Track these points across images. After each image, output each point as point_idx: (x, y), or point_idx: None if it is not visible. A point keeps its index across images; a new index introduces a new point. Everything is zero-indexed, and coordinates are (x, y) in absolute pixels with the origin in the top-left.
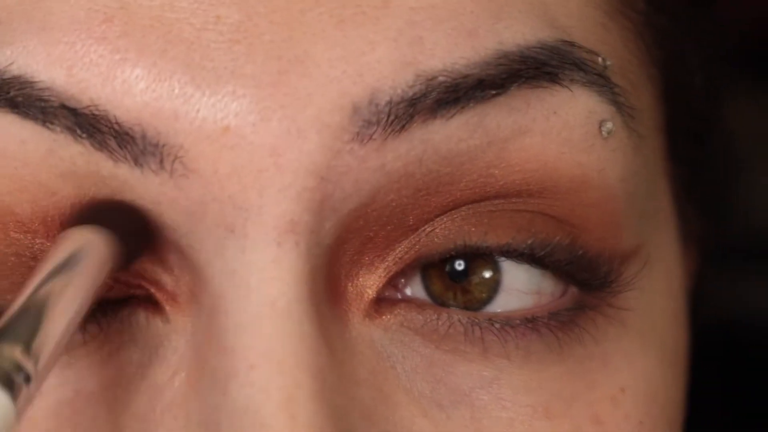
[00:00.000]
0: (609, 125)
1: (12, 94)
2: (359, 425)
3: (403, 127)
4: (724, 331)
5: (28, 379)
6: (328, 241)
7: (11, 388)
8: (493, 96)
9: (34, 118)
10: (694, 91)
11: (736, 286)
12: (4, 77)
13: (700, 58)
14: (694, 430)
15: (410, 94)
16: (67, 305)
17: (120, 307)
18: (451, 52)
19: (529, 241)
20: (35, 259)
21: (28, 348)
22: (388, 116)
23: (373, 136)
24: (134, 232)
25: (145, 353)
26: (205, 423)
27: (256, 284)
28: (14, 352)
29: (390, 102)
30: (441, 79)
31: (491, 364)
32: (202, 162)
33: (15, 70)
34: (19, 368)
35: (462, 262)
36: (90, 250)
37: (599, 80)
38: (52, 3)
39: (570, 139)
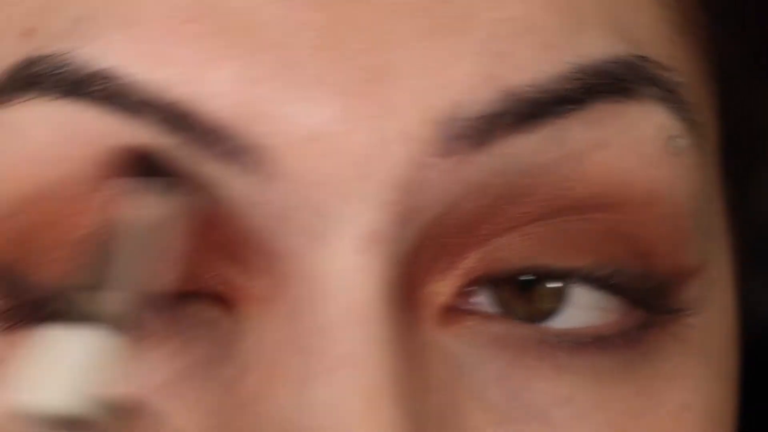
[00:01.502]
0: (679, 141)
1: (98, 88)
2: (433, 431)
3: (484, 141)
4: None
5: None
6: (406, 249)
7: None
8: (572, 111)
9: (120, 113)
10: (749, 110)
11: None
12: (89, 71)
13: (759, 78)
14: None
15: (492, 109)
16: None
17: (188, 303)
18: (532, 66)
19: (602, 266)
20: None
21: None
22: (471, 130)
23: (456, 150)
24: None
25: (215, 350)
26: (279, 422)
27: (336, 290)
28: (117, 300)
29: (473, 116)
30: (523, 94)
31: (565, 382)
32: (289, 167)
33: (98, 64)
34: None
35: (529, 276)
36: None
37: (671, 96)
38: (140, 1)
39: (642, 153)
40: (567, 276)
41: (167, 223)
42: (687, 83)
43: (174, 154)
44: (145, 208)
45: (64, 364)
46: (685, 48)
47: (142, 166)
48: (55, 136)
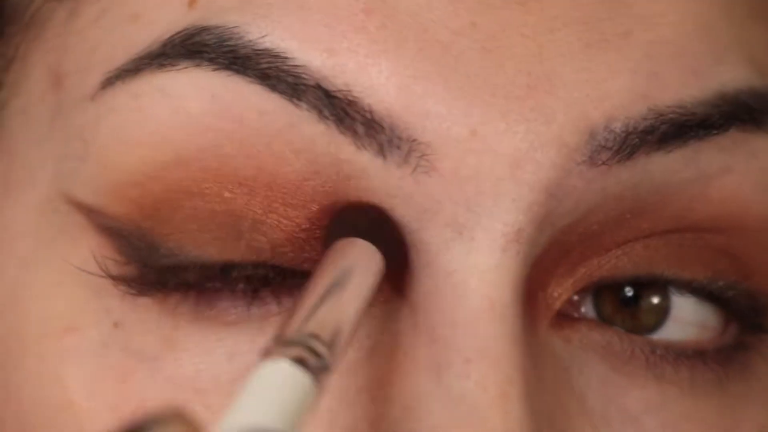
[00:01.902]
0: None
1: (263, 66)
2: (546, 429)
3: (630, 155)
4: None
5: (325, 368)
6: (538, 252)
7: (318, 373)
8: (713, 135)
9: (281, 92)
10: None
11: None
12: (256, 48)
13: None
14: None
15: (642, 125)
16: (352, 309)
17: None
18: (681, 89)
19: (715, 280)
20: (242, 218)
21: (328, 339)
22: (621, 145)
23: (603, 161)
24: (392, 250)
25: None
26: (410, 407)
27: (476, 285)
28: (322, 338)
29: (624, 131)
30: (671, 115)
31: (662, 391)
32: (446, 162)
33: (268, 43)
34: (318, 355)
35: (632, 289)
36: (369, 265)
37: None
38: None
39: (764, 182)
40: (676, 284)
41: (374, 281)
42: None
43: (330, 139)
44: (362, 262)
45: (282, 397)
46: None
47: (371, 224)
48: (209, 106)
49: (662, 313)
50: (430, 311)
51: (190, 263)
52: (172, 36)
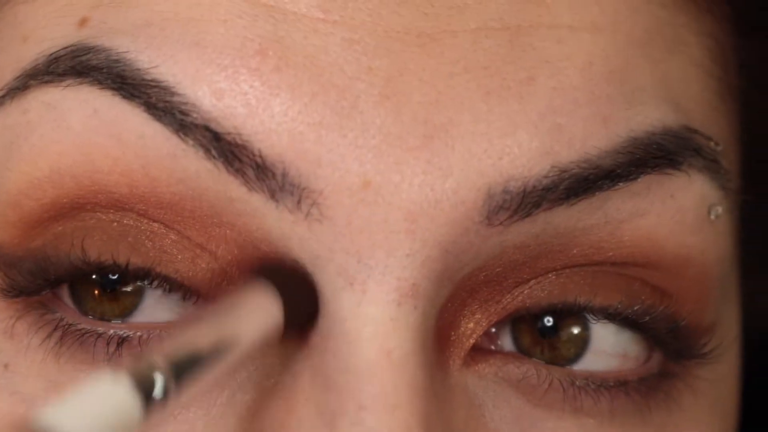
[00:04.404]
0: (718, 209)
1: (153, 98)
2: None
3: (530, 213)
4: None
5: (165, 393)
6: (441, 302)
7: (146, 396)
8: (620, 185)
9: (166, 124)
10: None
11: None
12: (145, 77)
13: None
14: None
15: (543, 183)
16: (225, 351)
17: None
18: (586, 141)
19: (631, 305)
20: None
21: (174, 369)
22: (519, 204)
23: (502, 221)
24: (294, 289)
25: (234, 373)
26: None
27: (370, 335)
28: (158, 364)
29: (523, 192)
30: (575, 170)
31: (580, 423)
32: (338, 211)
33: (158, 74)
34: (156, 380)
35: (551, 319)
36: (266, 313)
37: (713, 165)
38: (209, 23)
39: (681, 221)
40: (592, 311)
41: (265, 333)
42: (725, 150)
43: (217, 178)
44: (259, 312)
45: (96, 404)
46: (726, 115)
47: (278, 274)
48: (89, 121)
49: (582, 343)
50: (325, 356)
51: (72, 263)
52: (59, 51)
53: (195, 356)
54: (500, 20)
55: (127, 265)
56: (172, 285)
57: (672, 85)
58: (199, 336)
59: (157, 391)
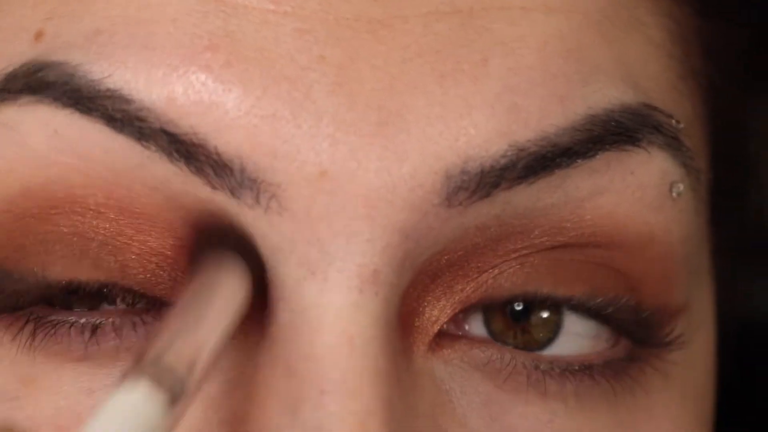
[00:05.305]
0: (679, 187)
1: (109, 109)
2: None
3: (489, 193)
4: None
5: (182, 393)
6: (405, 286)
7: (172, 399)
8: (578, 162)
9: (127, 135)
10: (734, 154)
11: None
12: (99, 89)
13: (756, 127)
14: None
15: (501, 163)
16: (218, 330)
17: None
18: (543, 119)
19: (593, 297)
20: (91, 239)
21: (187, 365)
22: (478, 184)
23: (460, 202)
24: (255, 282)
25: None
26: None
27: (331, 321)
28: (179, 363)
29: (481, 172)
30: (532, 149)
31: (548, 407)
32: (297, 202)
33: (111, 84)
34: (179, 380)
35: (521, 303)
36: (234, 288)
37: (674, 143)
38: (158, 23)
39: (642, 198)
40: (560, 304)
41: (239, 305)
42: (687, 129)
43: (184, 180)
44: (228, 285)
45: (123, 418)
46: (688, 96)
47: (230, 241)
48: (52, 142)
49: (554, 327)
50: (287, 345)
51: (37, 284)
52: (15, 70)
53: (200, 348)
54: (451, 4)
55: (87, 282)
56: (135, 297)
57: (630, 63)
58: (195, 326)
59: (177, 390)
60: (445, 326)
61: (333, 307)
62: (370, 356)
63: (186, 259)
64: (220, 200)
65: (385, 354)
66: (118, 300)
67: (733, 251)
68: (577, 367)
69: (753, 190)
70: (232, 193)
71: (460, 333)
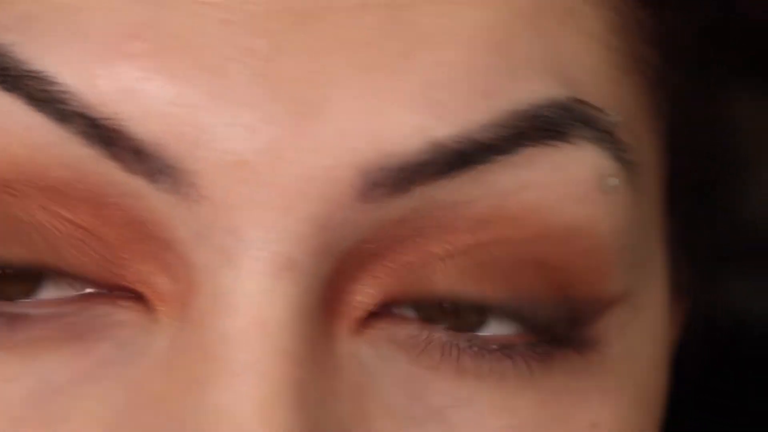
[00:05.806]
0: (611, 180)
1: (33, 89)
2: None
3: (407, 188)
4: (718, 330)
5: None
6: (323, 276)
7: None
8: (498, 158)
9: (47, 114)
10: (700, 146)
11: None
12: (26, 69)
13: (711, 114)
14: (675, 429)
15: (420, 159)
16: None
17: (97, 304)
18: (465, 116)
19: (516, 298)
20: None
21: None
22: (395, 181)
23: (377, 197)
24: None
25: (125, 350)
26: (181, 422)
27: (246, 306)
28: None
29: (399, 168)
30: (452, 146)
31: (466, 385)
32: (215, 190)
33: (39, 66)
34: None
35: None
36: None
37: (606, 137)
38: (85, 11)
39: (570, 193)
40: (481, 308)
41: None
42: (626, 123)
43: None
44: None
45: None
46: (630, 88)
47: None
48: None
49: (484, 310)
50: (203, 329)
51: None
52: None
53: None
54: None
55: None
56: (63, 277)
57: (561, 57)
58: None
59: None
60: (374, 308)
61: (248, 292)
62: (283, 340)
63: (112, 238)
64: (137, 185)
65: (300, 338)
66: (51, 285)
67: (714, 247)
68: (495, 347)
69: (748, 189)
70: (151, 178)
71: (387, 313)
